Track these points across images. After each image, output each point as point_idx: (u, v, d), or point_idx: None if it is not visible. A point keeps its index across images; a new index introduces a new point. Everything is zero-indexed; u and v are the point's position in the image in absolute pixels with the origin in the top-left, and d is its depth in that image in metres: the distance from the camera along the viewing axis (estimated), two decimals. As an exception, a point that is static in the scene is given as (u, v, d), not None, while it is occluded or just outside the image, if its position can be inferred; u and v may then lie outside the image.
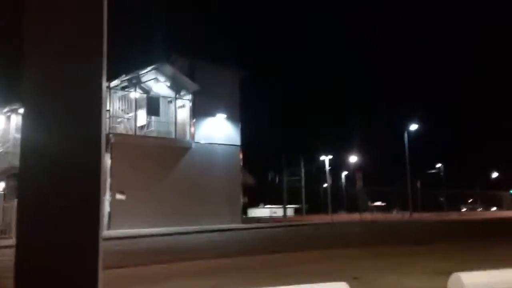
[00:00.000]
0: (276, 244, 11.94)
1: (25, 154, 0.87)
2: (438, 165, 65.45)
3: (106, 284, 0.86)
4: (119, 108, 23.88)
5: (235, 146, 26.28)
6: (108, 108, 22.06)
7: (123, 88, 23.73)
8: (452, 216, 37.90)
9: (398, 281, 4.39)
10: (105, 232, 16.45)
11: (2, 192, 16.98)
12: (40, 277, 0.83)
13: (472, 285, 3.75)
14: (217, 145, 25.38)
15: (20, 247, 0.84)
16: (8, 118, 22.02)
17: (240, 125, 26.80)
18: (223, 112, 25.80)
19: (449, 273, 4.10)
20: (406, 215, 38.66)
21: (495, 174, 71.01)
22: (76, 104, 0.88)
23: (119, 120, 23.86)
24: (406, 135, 39.66)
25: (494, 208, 57.07)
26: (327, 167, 48.71)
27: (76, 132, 0.87)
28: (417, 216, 36.15)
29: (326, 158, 50.86)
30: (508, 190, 56.96)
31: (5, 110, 21.75)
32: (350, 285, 3.75)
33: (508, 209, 52.90)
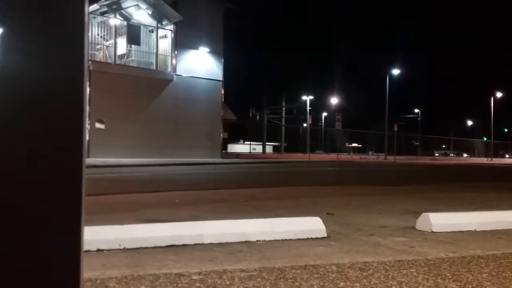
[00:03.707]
0: (254, 179, 12.20)
1: (4, 81, 0.83)
2: (416, 110, 66.53)
3: (86, 210, 0.87)
4: (98, 34, 22.97)
5: (217, 81, 25.94)
6: (86, 34, 21.17)
7: (102, 14, 22.69)
8: (425, 160, 39.14)
9: (369, 219, 4.58)
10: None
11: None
12: (22, 200, 0.82)
13: (439, 225, 3.95)
14: (199, 79, 24.97)
15: (1, 171, 0.82)
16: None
17: (222, 60, 26.28)
18: (205, 45, 25.14)
19: (418, 213, 4.30)
20: (381, 157, 39.75)
21: (469, 122, 72.75)
22: (58, 27, 0.83)
23: (98, 47, 23.03)
24: (387, 79, 39.73)
25: (465, 155, 59.01)
26: (308, 107, 48.91)
27: (57, 57, 0.83)
28: (391, 158, 37.18)
29: (307, 98, 50.95)
30: (481, 137, 58.64)
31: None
32: (323, 220, 3.89)
33: (480, 156, 54.80)
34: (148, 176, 12.29)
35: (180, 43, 24.12)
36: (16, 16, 0.82)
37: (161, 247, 3.12)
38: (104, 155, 19.49)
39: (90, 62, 20.75)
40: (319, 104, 59.55)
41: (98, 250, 3.00)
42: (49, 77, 0.83)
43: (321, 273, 2.55)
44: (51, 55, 0.83)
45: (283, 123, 55.18)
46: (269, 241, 3.39)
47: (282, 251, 3.12)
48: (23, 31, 0.82)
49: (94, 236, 3.01)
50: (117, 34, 22.86)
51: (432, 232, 3.85)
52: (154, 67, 23.86)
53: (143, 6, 23.60)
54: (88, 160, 17.44)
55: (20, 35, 0.82)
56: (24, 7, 0.82)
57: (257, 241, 3.38)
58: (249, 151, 40.87)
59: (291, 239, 3.45)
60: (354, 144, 51.47)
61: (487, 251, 3.18)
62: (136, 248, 3.07)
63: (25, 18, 0.82)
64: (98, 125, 19.68)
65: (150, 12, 23.71)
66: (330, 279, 2.44)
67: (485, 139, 56.41)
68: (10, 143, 0.82)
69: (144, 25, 23.75)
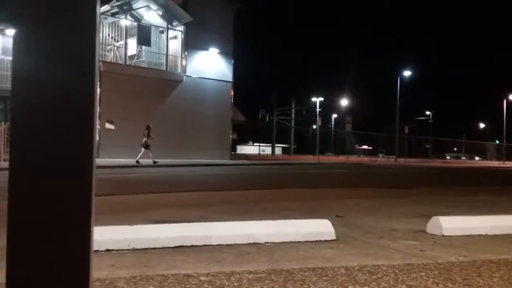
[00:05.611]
0: (263, 180, 12.19)
1: (17, 81, 0.84)
2: (428, 112, 66.05)
3: (95, 210, 0.87)
4: (108, 35, 23.15)
5: (227, 82, 25.98)
6: (97, 35, 21.37)
7: (113, 15, 22.85)
8: (436, 163, 38.81)
9: (378, 221, 4.55)
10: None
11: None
12: (33, 200, 0.83)
13: (450, 229, 3.91)
14: (208, 80, 25.03)
15: (13, 171, 0.84)
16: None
17: (232, 61, 26.31)
18: (216, 46, 25.18)
19: (429, 216, 4.25)
20: (391, 160, 39.49)
21: (482, 125, 72.03)
22: (69, 28, 0.84)
23: (108, 48, 23.21)
24: (398, 81, 39.48)
25: (477, 158, 58.33)
26: (318, 109, 48.79)
27: (68, 58, 0.84)
28: (402, 161, 36.93)
29: (317, 100, 50.83)
30: (494, 140, 57.97)
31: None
32: (332, 222, 3.87)
33: (492, 159, 54.16)
34: (157, 177, 12.34)
35: (190, 44, 24.20)
36: (28, 17, 0.83)
37: (169, 247, 3.13)
38: (113, 155, 19.60)
39: (100, 62, 20.90)
40: (329, 106, 59.44)
41: (107, 250, 3.01)
42: (60, 77, 0.84)
43: (330, 275, 2.53)
44: (62, 55, 0.84)
45: (293, 124, 55.14)
46: (278, 243, 3.38)
47: (290, 253, 3.11)
48: (35, 31, 0.83)
49: (103, 236, 3.03)
50: (127, 35, 23.00)
51: (443, 235, 3.81)
52: (164, 68, 23.96)
53: (154, 7, 23.73)
54: (98, 161, 17.56)
55: (31, 35, 0.83)
56: (36, 8, 0.83)
57: (265, 242, 3.37)
58: (258, 153, 40.87)
59: (299, 241, 3.44)
60: (364, 146, 51.23)
61: (498, 256, 3.14)
62: (145, 249, 3.08)
63: (37, 19, 0.83)
64: (108, 125, 19.82)
65: (160, 13, 23.83)
66: (339, 282, 2.42)
67: (497, 142, 55.74)
68: (21, 140, 0.83)
69: (155, 26, 23.88)
